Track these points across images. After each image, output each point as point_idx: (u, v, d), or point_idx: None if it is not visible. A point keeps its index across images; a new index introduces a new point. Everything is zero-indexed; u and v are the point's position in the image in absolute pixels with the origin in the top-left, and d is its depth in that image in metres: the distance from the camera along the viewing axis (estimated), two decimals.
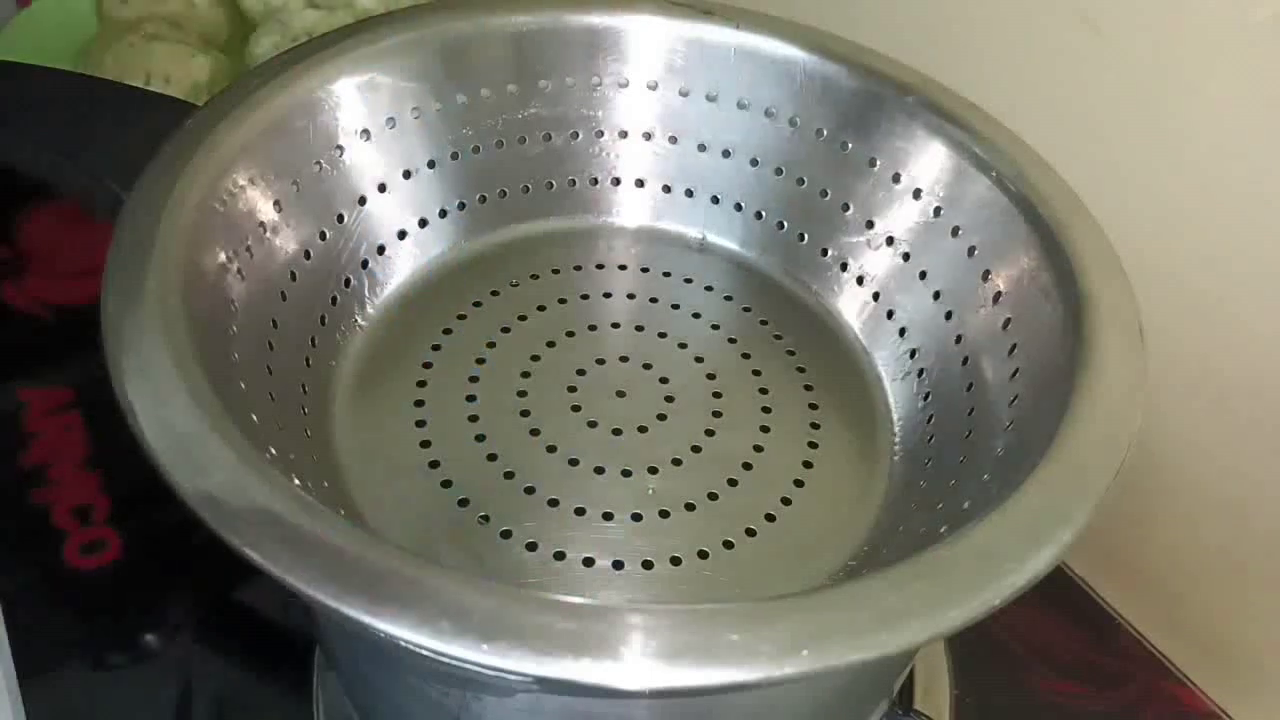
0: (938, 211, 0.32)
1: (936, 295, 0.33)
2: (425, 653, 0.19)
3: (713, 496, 0.30)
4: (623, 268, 0.36)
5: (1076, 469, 0.23)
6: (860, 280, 0.35)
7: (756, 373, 0.33)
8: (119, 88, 0.53)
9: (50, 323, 0.43)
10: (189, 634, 0.34)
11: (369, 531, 0.27)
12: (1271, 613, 0.37)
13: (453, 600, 0.19)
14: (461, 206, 0.36)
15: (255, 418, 0.25)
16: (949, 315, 0.32)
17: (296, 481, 0.23)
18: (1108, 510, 0.23)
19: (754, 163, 0.36)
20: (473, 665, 0.18)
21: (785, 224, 0.36)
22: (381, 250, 0.34)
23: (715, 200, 0.37)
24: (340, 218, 0.32)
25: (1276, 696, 0.38)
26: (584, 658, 0.18)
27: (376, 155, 0.33)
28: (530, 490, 0.29)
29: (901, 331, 0.33)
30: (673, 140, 0.36)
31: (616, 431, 0.31)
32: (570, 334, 0.34)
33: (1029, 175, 0.30)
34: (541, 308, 0.35)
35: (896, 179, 0.33)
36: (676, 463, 0.30)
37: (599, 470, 0.30)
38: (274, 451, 0.24)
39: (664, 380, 0.33)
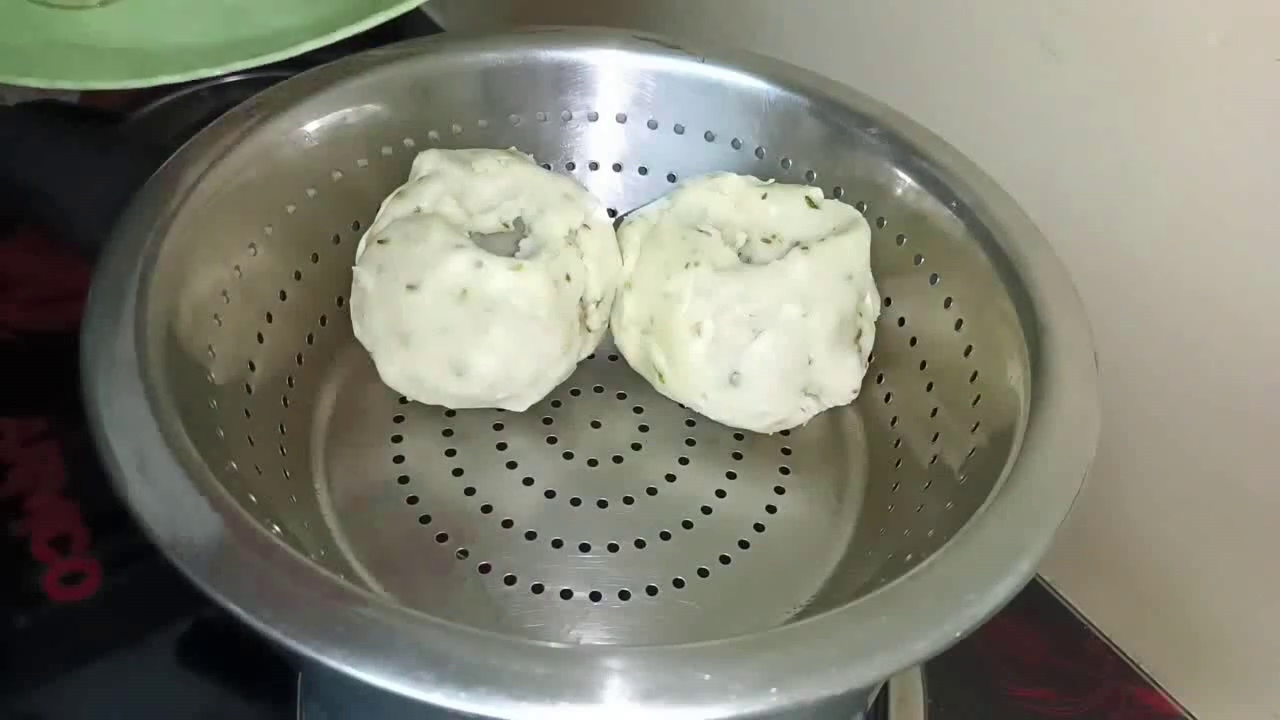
0: (901, 240, 0.33)
1: (901, 321, 0.33)
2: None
3: (687, 525, 0.30)
4: None
5: (1034, 499, 0.24)
6: None
7: None
8: (89, 115, 0.52)
9: (23, 349, 0.43)
10: (171, 661, 0.34)
11: (348, 572, 0.28)
12: (1238, 616, 0.38)
13: (431, 649, 0.19)
14: None
15: (235, 465, 0.25)
16: (913, 341, 0.33)
17: (276, 528, 0.23)
18: (1074, 517, 0.23)
19: None
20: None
21: None
22: None
23: None
24: (315, 257, 0.33)
25: (1241, 699, 0.38)
26: (561, 701, 0.19)
27: (350, 195, 0.33)
28: (508, 524, 0.30)
29: (870, 357, 0.34)
30: (643, 171, 0.37)
31: (592, 463, 0.32)
32: None
33: (989, 205, 0.31)
34: None
35: (861, 208, 0.34)
36: (651, 492, 0.31)
37: (575, 502, 0.31)
38: (254, 498, 0.24)
39: (638, 410, 0.33)
